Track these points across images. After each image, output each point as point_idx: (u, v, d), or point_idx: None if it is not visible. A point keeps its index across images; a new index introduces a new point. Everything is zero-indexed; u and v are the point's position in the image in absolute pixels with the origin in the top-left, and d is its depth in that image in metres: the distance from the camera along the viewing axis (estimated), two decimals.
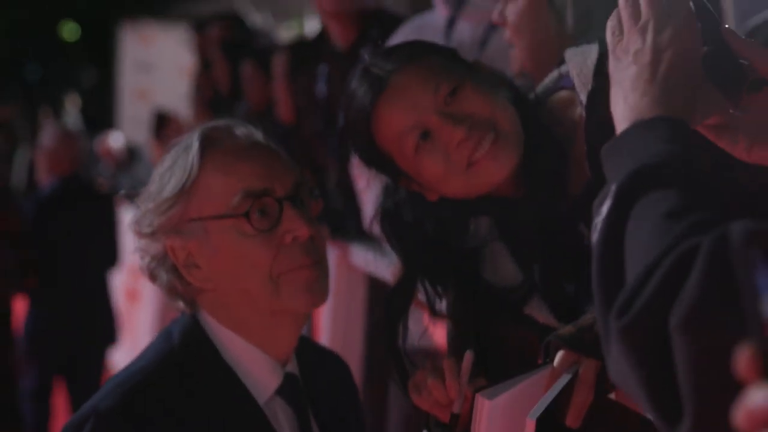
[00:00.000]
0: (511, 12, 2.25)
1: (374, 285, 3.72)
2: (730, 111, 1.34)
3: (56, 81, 20.84)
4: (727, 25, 1.33)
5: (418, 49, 1.92)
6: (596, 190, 1.25)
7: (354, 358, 3.66)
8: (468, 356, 1.79)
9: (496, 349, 1.92)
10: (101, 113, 17.07)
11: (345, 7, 4.02)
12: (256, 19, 7.96)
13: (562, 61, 1.95)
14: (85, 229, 5.96)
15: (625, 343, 1.09)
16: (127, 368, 1.90)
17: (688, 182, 1.18)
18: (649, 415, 1.12)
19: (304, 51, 4.86)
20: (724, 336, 0.99)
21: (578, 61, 1.87)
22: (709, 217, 1.13)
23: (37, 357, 5.77)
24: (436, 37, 3.29)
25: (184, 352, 1.89)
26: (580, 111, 1.87)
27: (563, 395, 1.62)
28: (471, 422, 1.67)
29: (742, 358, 0.80)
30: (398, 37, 3.42)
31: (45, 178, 6.27)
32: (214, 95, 6.88)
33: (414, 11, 4.15)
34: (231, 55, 6.40)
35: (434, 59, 1.87)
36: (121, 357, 7.07)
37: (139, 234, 1.92)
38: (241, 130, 1.94)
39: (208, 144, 1.90)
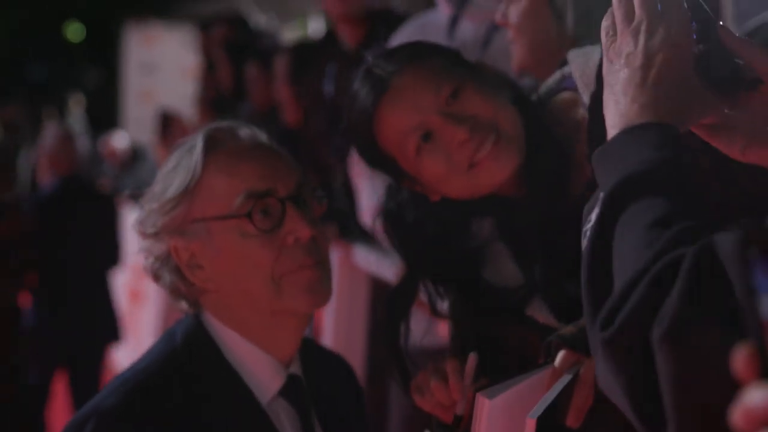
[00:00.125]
0: (514, 12, 2.25)
1: (377, 285, 3.72)
2: (726, 111, 1.34)
3: (60, 81, 20.85)
4: (721, 23, 1.33)
5: (420, 50, 1.92)
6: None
7: (356, 359, 3.67)
8: (472, 358, 1.79)
9: (497, 350, 1.92)
10: (106, 114, 17.08)
11: (352, 10, 4.03)
12: (260, 19, 7.97)
13: (564, 62, 1.96)
14: (85, 228, 6.01)
15: (609, 354, 1.10)
16: (130, 368, 1.90)
17: (674, 190, 1.18)
18: (634, 425, 1.12)
19: (306, 53, 4.86)
20: (707, 348, 1.00)
21: (581, 63, 1.88)
22: (694, 226, 1.13)
23: (38, 355, 5.79)
24: (439, 36, 3.29)
25: (187, 352, 1.89)
26: (582, 112, 1.87)
27: (564, 395, 1.62)
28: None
29: (740, 358, 0.81)
30: (400, 36, 3.42)
31: (45, 179, 6.32)
32: (218, 96, 6.88)
33: (423, 11, 4.14)
34: (235, 56, 6.40)
35: (436, 60, 1.88)
36: (124, 357, 7.08)
37: (143, 234, 1.92)
38: (244, 132, 1.95)
39: (211, 145, 1.91)
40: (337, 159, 3.80)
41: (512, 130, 1.85)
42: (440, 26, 3.39)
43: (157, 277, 1.94)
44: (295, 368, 1.96)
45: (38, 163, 6.47)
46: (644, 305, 1.07)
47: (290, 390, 1.93)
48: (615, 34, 1.33)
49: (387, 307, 1.98)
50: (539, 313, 1.88)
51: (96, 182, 7.25)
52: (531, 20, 2.23)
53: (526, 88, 2.03)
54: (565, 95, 1.94)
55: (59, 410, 6.16)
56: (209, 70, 7.13)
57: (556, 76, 1.98)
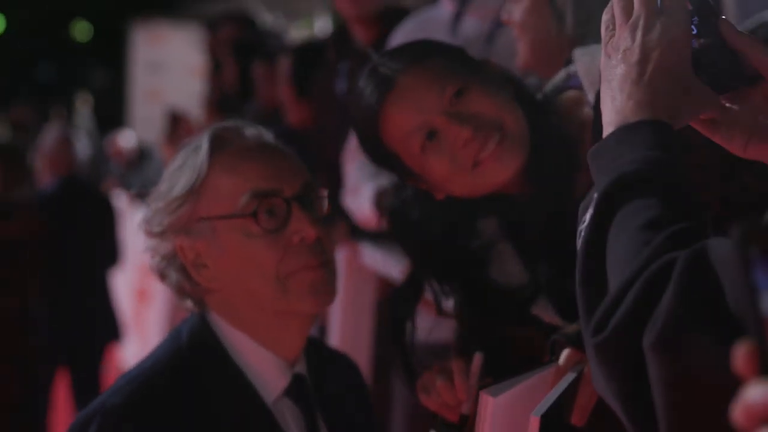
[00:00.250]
0: (516, 10, 2.26)
1: (384, 285, 3.72)
2: (727, 106, 1.33)
3: (68, 81, 20.88)
4: (723, 18, 1.33)
5: (425, 49, 1.92)
6: None
7: (363, 358, 3.66)
8: (477, 357, 1.80)
9: (502, 349, 1.92)
10: (113, 113, 17.09)
11: (365, 11, 4.02)
12: (267, 18, 7.97)
13: (570, 61, 1.96)
14: (83, 229, 6.07)
15: (601, 358, 1.10)
16: (136, 367, 1.91)
17: (667, 191, 1.18)
18: (626, 427, 1.13)
19: (309, 53, 4.86)
20: (698, 355, 1.00)
21: (586, 61, 1.88)
22: (687, 228, 1.13)
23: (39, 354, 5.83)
24: (441, 32, 3.28)
25: (193, 351, 1.90)
26: (587, 111, 1.87)
27: (568, 393, 1.62)
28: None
29: (741, 355, 0.81)
30: (402, 32, 3.41)
31: (44, 180, 6.40)
32: (224, 96, 6.88)
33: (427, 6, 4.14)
34: (242, 55, 6.40)
35: (441, 59, 1.88)
36: (131, 356, 7.09)
37: (149, 233, 1.93)
38: (250, 131, 1.95)
39: (217, 144, 1.91)
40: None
41: (517, 129, 1.85)
42: (443, 22, 3.38)
43: (163, 276, 1.94)
44: (301, 368, 1.96)
45: (37, 164, 6.56)
46: (636, 311, 1.07)
47: (295, 390, 1.93)
48: (614, 28, 1.33)
49: (393, 305, 1.98)
50: (544, 312, 1.88)
51: (95, 183, 7.32)
52: (532, 18, 2.23)
53: (531, 86, 2.03)
54: (571, 94, 1.94)
55: (60, 409, 6.18)
56: (216, 69, 7.13)
57: (562, 74, 1.98)
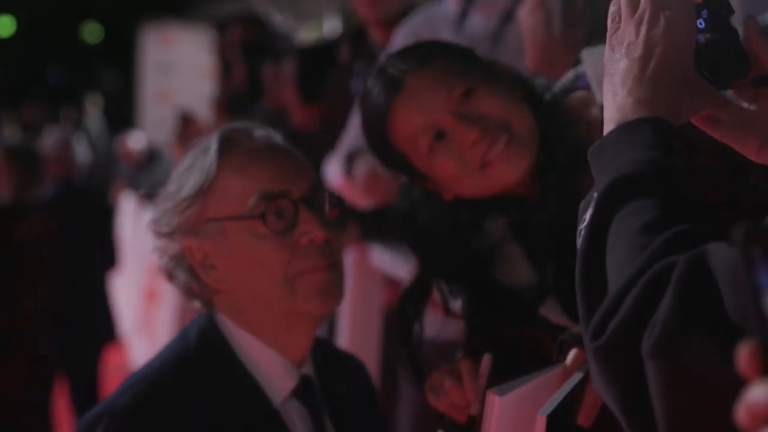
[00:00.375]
0: (521, 11, 2.27)
1: (392, 288, 3.72)
2: (742, 107, 1.32)
3: (78, 82, 20.92)
4: (748, 15, 1.32)
5: (433, 50, 1.93)
6: None
7: (371, 359, 3.66)
8: (486, 359, 1.79)
9: (510, 350, 1.92)
10: (123, 114, 17.13)
11: (383, 13, 4.03)
12: (276, 20, 7.98)
13: (578, 62, 1.96)
14: (81, 230, 6.11)
15: (600, 363, 1.10)
16: (144, 367, 1.91)
17: (667, 191, 1.17)
18: (626, 431, 1.13)
19: (314, 56, 4.86)
20: (697, 361, 0.99)
21: (594, 62, 1.88)
22: (686, 230, 1.12)
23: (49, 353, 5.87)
24: (447, 29, 3.28)
25: (200, 352, 1.90)
26: (596, 111, 1.87)
27: (575, 393, 1.62)
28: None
29: (744, 355, 0.81)
30: (407, 27, 3.41)
31: (43, 182, 6.47)
32: (234, 97, 6.89)
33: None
34: (251, 56, 6.41)
35: (449, 60, 1.88)
36: (139, 357, 7.10)
37: (158, 233, 1.93)
38: (259, 133, 1.95)
39: (226, 146, 1.91)
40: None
41: (525, 129, 1.85)
42: (448, 19, 3.37)
43: (171, 277, 1.94)
44: (308, 369, 1.96)
45: None
46: (634, 315, 1.06)
47: (303, 391, 1.93)
48: (621, 20, 1.33)
49: (400, 305, 1.98)
50: (552, 313, 1.88)
51: (96, 185, 7.40)
52: (529, 20, 2.25)
53: (540, 87, 2.03)
54: (579, 94, 1.94)
55: (58, 411, 6.20)
56: (225, 71, 7.14)
57: (570, 75, 1.98)
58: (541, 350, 1.86)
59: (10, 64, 20.80)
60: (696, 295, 1.02)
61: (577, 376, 1.64)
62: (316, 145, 4.40)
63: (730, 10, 1.32)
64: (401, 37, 3.39)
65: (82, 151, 6.85)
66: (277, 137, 1.98)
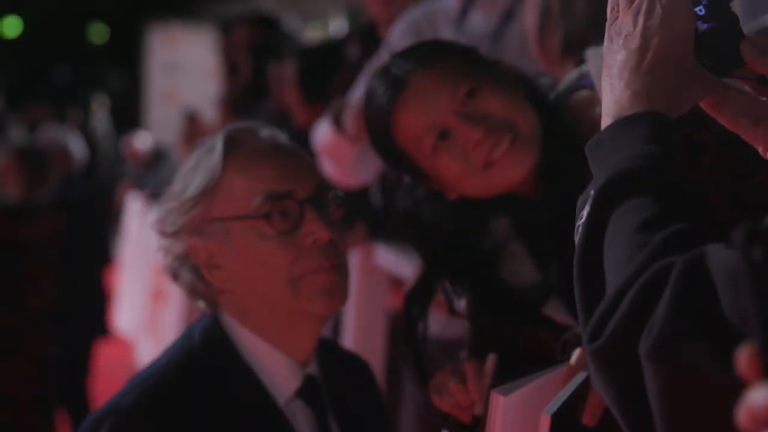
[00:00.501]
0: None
1: (397, 285, 3.72)
2: (759, 100, 1.30)
3: (84, 83, 20.93)
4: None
5: (437, 49, 1.93)
6: None
7: (376, 359, 3.67)
8: (491, 359, 1.79)
9: (514, 349, 1.92)
10: (129, 115, 17.14)
11: (394, 13, 4.02)
12: (283, 20, 7.98)
13: (582, 61, 1.96)
14: (77, 228, 6.14)
15: (598, 364, 1.09)
16: (148, 367, 1.91)
17: (663, 188, 1.17)
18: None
19: (316, 56, 4.85)
20: (694, 364, 0.98)
21: (598, 61, 1.87)
22: (683, 229, 1.11)
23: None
24: (447, 26, 3.28)
25: (205, 351, 1.90)
26: (600, 110, 1.87)
27: (579, 393, 1.62)
28: None
29: (744, 358, 0.81)
30: (407, 22, 3.40)
31: None
32: (239, 97, 6.89)
33: None
34: (259, 56, 6.41)
35: (453, 59, 1.88)
36: (146, 356, 7.10)
37: (162, 233, 1.93)
38: (265, 133, 1.95)
39: (231, 145, 1.91)
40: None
41: (529, 129, 1.85)
42: (448, 16, 3.36)
43: (175, 276, 1.95)
44: (312, 369, 1.96)
45: None
46: (631, 318, 1.05)
47: (307, 391, 1.93)
48: (619, 11, 1.32)
49: (405, 305, 1.98)
50: (556, 312, 1.88)
51: (91, 185, 7.46)
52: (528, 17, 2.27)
53: (543, 86, 2.03)
54: (583, 93, 1.93)
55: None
56: (231, 71, 7.14)
57: (574, 74, 1.98)
58: (545, 350, 1.86)
59: (16, 65, 20.82)
60: (694, 297, 1.01)
61: (581, 376, 1.63)
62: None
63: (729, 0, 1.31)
64: (400, 32, 3.38)
65: (78, 148, 6.86)
66: (283, 137, 1.98)
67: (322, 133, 3.44)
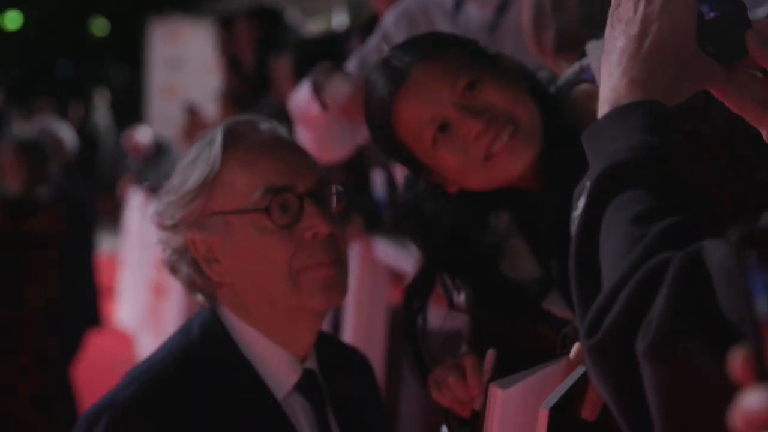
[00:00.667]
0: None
1: (398, 279, 3.72)
2: (753, 75, 1.29)
3: (86, 77, 20.96)
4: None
5: (437, 42, 1.92)
6: None
7: (376, 353, 3.67)
8: (491, 354, 1.79)
9: (514, 344, 1.92)
10: (131, 109, 17.16)
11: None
12: (286, 14, 7.97)
13: (583, 54, 1.95)
14: (74, 222, 6.18)
15: (595, 361, 1.08)
16: (146, 361, 1.90)
17: (659, 179, 1.15)
18: (622, 429, 1.12)
19: (312, 49, 4.85)
20: (692, 362, 0.98)
21: (599, 54, 1.87)
22: (679, 222, 1.10)
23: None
24: (442, 18, 3.27)
25: (203, 345, 1.89)
26: None
27: (579, 387, 1.61)
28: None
29: (737, 361, 0.80)
30: (398, 11, 3.38)
31: None
32: (240, 91, 6.89)
33: None
34: (262, 50, 6.40)
35: (454, 51, 1.88)
36: (147, 351, 7.10)
37: (161, 226, 1.93)
38: (265, 126, 1.95)
39: (231, 139, 1.91)
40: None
41: (530, 122, 1.84)
42: (442, 6, 3.35)
43: (174, 270, 1.94)
44: (311, 363, 1.95)
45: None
46: (628, 314, 1.05)
47: (306, 385, 1.92)
48: None
49: (404, 298, 1.98)
50: (556, 306, 1.87)
51: (75, 172, 7.48)
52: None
53: (544, 79, 2.02)
54: (584, 87, 1.93)
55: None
56: (231, 65, 7.14)
57: (575, 67, 1.98)
58: (545, 344, 1.86)
59: (18, 60, 20.84)
60: (691, 295, 1.00)
61: (580, 370, 1.63)
62: None
63: None
64: (392, 20, 3.37)
65: (71, 139, 6.87)
66: (283, 131, 1.97)
67: (300, 94, 3.36)
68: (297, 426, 1.89)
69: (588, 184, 1.18)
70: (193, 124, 8.87)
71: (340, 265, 1.90)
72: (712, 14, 1.27)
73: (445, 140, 1.82)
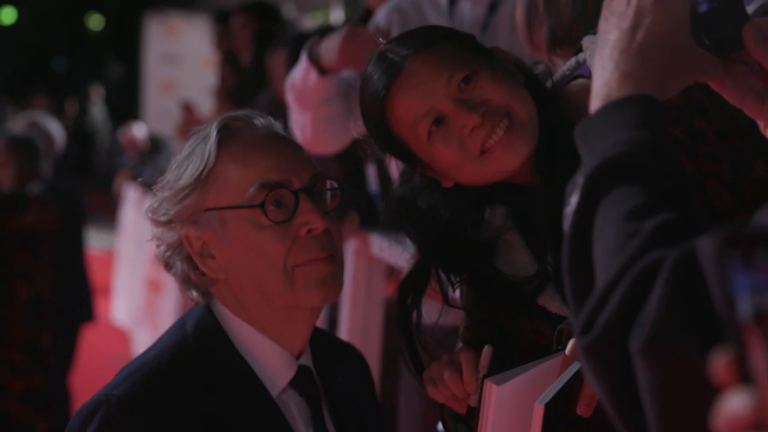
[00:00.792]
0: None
1: (394, 275, 3.72)
2: (749, 66, 1.28)
3: (82, 73, 20.95)
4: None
5: (433, 35, 1.91)
6: None
7: (372, 349, 3.66)
8: (487, 350, 1.78)
9: (509, 339, 1.91)
10: (127, 104, 17.15)
11: None
12: (283, 9, 7.97)
13: (580, 49, 1.95)
14: (66, 217, 6.20)
15: (590, 359, 1.08)
16: (141, 357, 1.90)
17: (652, 175, 1.15)
18: (616, 427, 1.11)
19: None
20: (686, 360, 0.97)
21: (595, 49, 1.86)
22: (672, 219, 1.10)
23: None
24: (436, 11, 3.27)
25: (198, 341, 1.89)
26: None
27: (574, 383, 1.61)
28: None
29: (720, 363, 0.79)
30: (391, 4, 3.37)
31: None
32: (236, 86, 6.88)
33: None
34: (259, 45, 6.39)
35: (450, 45, 1.87)
36: (143, 347, 7.10)
37: (155, 222, 1.92)
38: (260, 121, 1.94)
39: (226, 134, 1.90)
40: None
41: (526, 116, 1.83)
42: (436, 4, 3.35)
43: (168, 266, 1.93)
44: (306, 359, 1.95)
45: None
46: (622, 312, 1.04)
47: (301, 381, 1.92)
48: None
49: (399, 293, 1.97)
50: (551, 302, 1.86)
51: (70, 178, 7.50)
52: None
53: (540, 74, 2.01)
54: (581, 82, 1.92)
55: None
56: (226, 60, 7.13)
57: (571, 62, 1.97)
58: (541, 339, 1.85)
59: (14, 55, 20.83)
60: (685, 293, 1.00)
61: (575, 366, 1.62)
62: None
63: None
64: (385, 13, 3.37)
65: (59, 134, 6.87)
66: (278, 126, 1.96)
67: (295, 72, 3.35)
68: (292, 422, 1.89)
69: (580, 180, 1.17)
70: (189, 120, 8.87)
71: (335, 261, 1.89)
72: (706, 6, 1.26)
73: (440, 134, 1.81)
